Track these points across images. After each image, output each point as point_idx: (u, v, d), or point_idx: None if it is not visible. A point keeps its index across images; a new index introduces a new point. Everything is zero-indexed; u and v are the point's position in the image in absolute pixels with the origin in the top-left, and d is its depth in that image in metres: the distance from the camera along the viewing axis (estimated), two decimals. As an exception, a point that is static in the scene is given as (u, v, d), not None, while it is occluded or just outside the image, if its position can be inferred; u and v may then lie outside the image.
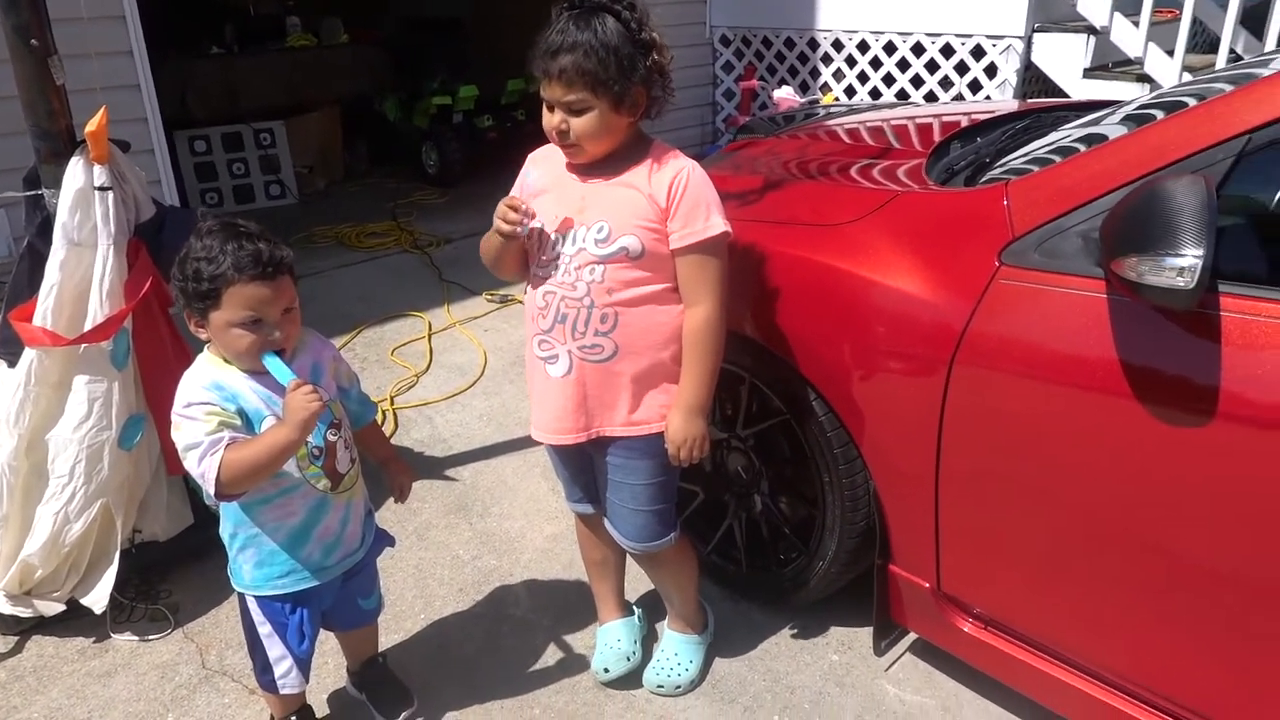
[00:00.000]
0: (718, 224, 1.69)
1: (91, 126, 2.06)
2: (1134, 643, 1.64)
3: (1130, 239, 1.36)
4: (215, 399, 1.58)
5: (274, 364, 1.58)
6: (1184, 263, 1.27)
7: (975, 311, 1.67)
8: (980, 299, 1.67)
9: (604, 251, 1.69)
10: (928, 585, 1.93)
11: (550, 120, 1.66)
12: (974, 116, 2.55)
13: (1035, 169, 1.77)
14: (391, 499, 1.94)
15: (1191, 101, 1.63)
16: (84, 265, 2.12)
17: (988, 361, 1.66)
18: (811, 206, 2.10)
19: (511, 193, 1.81)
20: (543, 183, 1.79)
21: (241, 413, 1.60)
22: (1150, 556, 1.55)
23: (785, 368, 2.00)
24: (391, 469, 1.93)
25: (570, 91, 1.61)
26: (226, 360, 1.62)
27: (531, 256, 1.79)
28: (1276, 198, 1.50)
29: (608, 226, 1.68)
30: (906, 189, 2.00)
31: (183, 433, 1.56)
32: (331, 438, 1.70)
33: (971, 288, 1.69)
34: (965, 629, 1.90)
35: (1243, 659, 1.51)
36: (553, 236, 1.73)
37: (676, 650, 2.12)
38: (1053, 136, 2.07)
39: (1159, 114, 1.70)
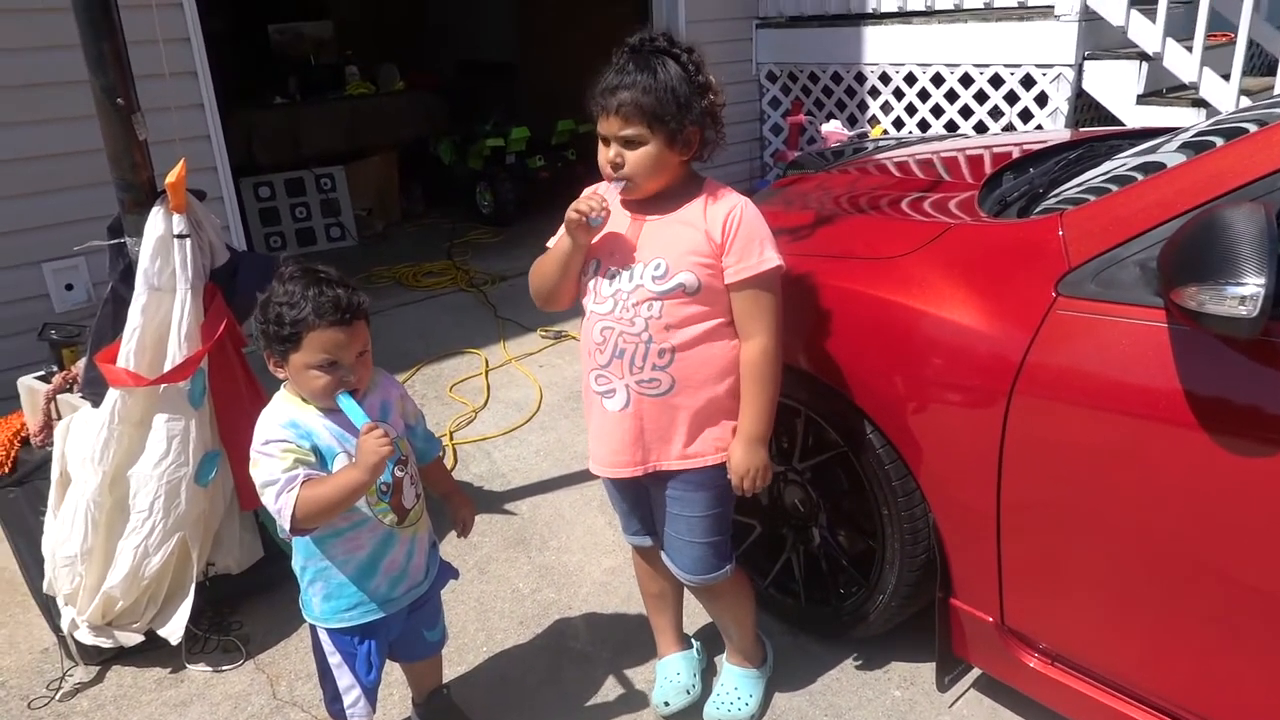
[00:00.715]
0: (772, 258, 1.73)
1: (171, 178, 2.17)
2: (1201, 676, 1.61)
3: (1190, 268, 1.36)
4: (291, 436, 1.64)
5: (348, 405, 1.64)
6: (1246, 291, 1.27)
7: (1033, 342, 1.68)
8: (1038, 330, 1.68)
9: (661, 288, 1.73)
10: (991, 619, 1.91)
11: (605, 154, 1.72)
12: (1025, 147, 2.56)
13: (1090, 199, 1.77)
14: (454, 532, 1.99)
15: (1251, 127, 1.63)
16: (164, 309, 2.23)
17: (1047, 392, 1.66)
18: (865, 240, 2.12)
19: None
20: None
21: (315, 450, 1.66)
22: (1216, 588, 1.53)
23: (841, 401, 2.01)
24: (454, 503, 1.98)
25: (627, 125, 1.67)
26: (303, 399, 1.69)
27: (585, 292, 1.84)
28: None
29: (665, 263, 1.73)
30: (960, 221, 2.01)
31: (260, 469, 1.63)
32: (398, 474, 1.75)
33: (1029, 319, 1.69)
34: (1031, 664, 1.87)
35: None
36: (610, 272, 1.78)
37: (736, 684, 2.12)
38: (1107, 166, 2.07)
39: (1217, 140, 1.70)
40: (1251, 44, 4.73)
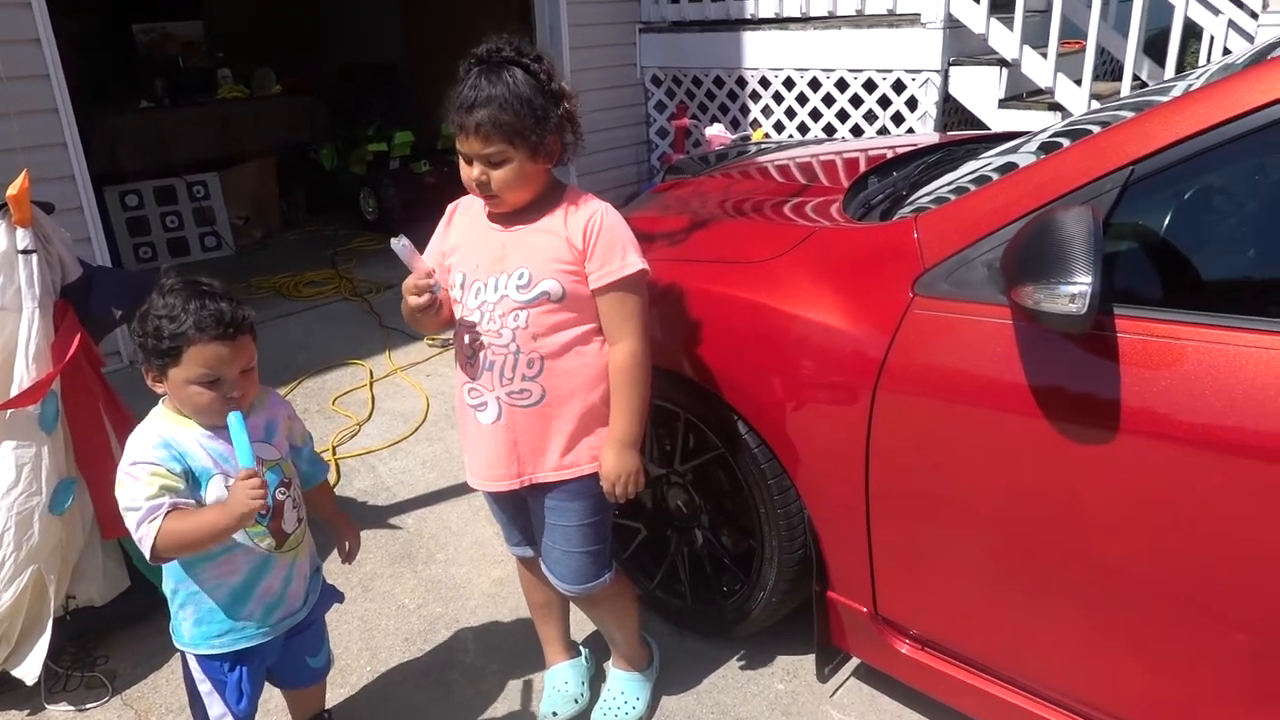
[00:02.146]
0: (634, 262, 1.73)
1: (13, 190, 2.04)
2: (1065, 656, 1.69)
3: (1026, 268, 1.43)
4: (162, 457, 1.57)
5: (238, 437, 1.56)
6: (1075, 290, 1.35)
7: (893, 341, 1.74)
8: (897, 329, 1.74)
9: (526, 297, 1.72)
10: (865, 609, 1.97)
11: (469, 173, 1.70)
12: (895, 150, 2.65)
13: (947, 200, 1.85)
14: (336, 553, 1.94)
15: (1096, 129, 1.73)
16: (9, 330, 2.10)
17: (907, 389, 1.72)
18: (735, 244, 2.16)
19: (432, 241, 1.85)
20: (463, 234, 1.82)
21: (189, 471, 1.59)
22: (1072, 570, 1.61)
23: (717, 402, 2.05)
24: (338, 529, 1.93)
25: (489, 144, 1.64)
26: (181, 415, 1.62)
27: (455, 306, 1.82)
28: (1164, 224, 1.60)
29: (528, 272, 1.72)
30: (825, 225, 2.07)
31: (125, 491, 1.57)
32: (280, 497, 1.69)
33: (888, 318, 1.75)
34: (903, 650, 1.94)
35: (1166, 667, 1.56)
36: (475, 285, 1.76)
37: (623, 689, 2.13)
38: (963, 169, 2.17)
39: (1065, 143, 1.79)
40: (1102, 51, 5.03)
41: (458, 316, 1.81)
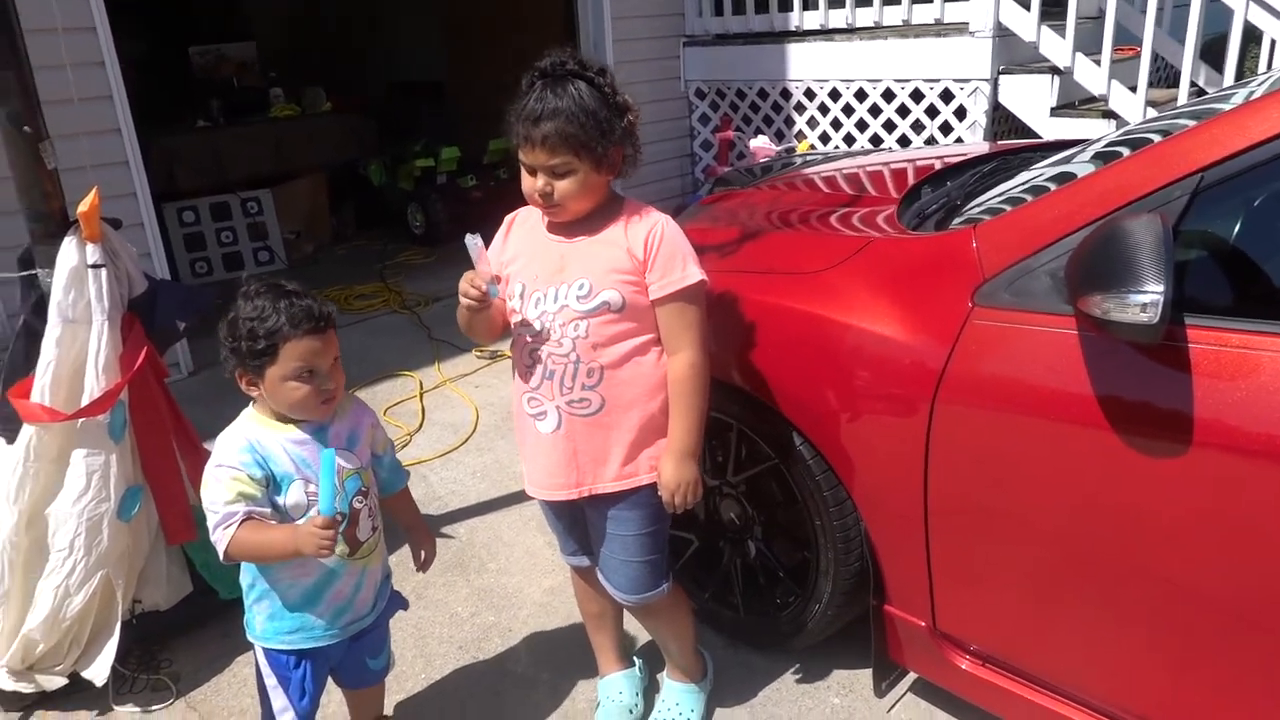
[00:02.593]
0: (694, 273, 1.74)
1: (84, 207, 2.11)
2: (1128, 673, 1.66)
3: (1093, 277, 1.41)
4: (245, 462, 1.62)
5: (325, 480, 1.59)
6: (1146, 299, 1.33)
7: (953, 352, 1.72)
8: (956, 340, 1.72)
9: (586, 307, 1.73)
10: (924, 624, 1.95)
11: (532, 184, 1.71)
12: (944, 160, 2.63)
13: (1003, 210, 1.83)
14: (425, 571, 2.00)
15: (1155, 138, 1.70)
16: (79, 342, 2.16)
17: (967, 400, 1.70)
18: (788, 255, 2.16)
19: (487, 253, 1.85)
20: (522, 245, 1.84)
21: (271, 476, 1.64)
22: (1138, 586, 1.58)
23: (772, 414, 2.04)
24: (416, 538, 1.97)
25: (554, 156, 1.66)
26: (269, 419, 1.67)
27: (513, 315, 1.83)
28: (1234, 232, 1.56)
29: (589, 283, 1.73)
30: (880, 235, 2.06)
31: (207, 491, 1.64)
32: (357, 505, 1.73)
33: (947, 329, 1.74)
34: (963, 666, 1.91)
35: (1234, 684, 1.53)
36: (535, 295, 1.78)
37: (678, 700, 2.12)
38: (1019, 178, 2.14)
39: (1124, 151, 1.77)
40: (1156, 57, 4.95)
41: (515, 326, 1.83)
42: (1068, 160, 2.08)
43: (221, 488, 1.61)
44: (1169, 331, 1.41)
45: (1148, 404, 1.50)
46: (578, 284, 1.74)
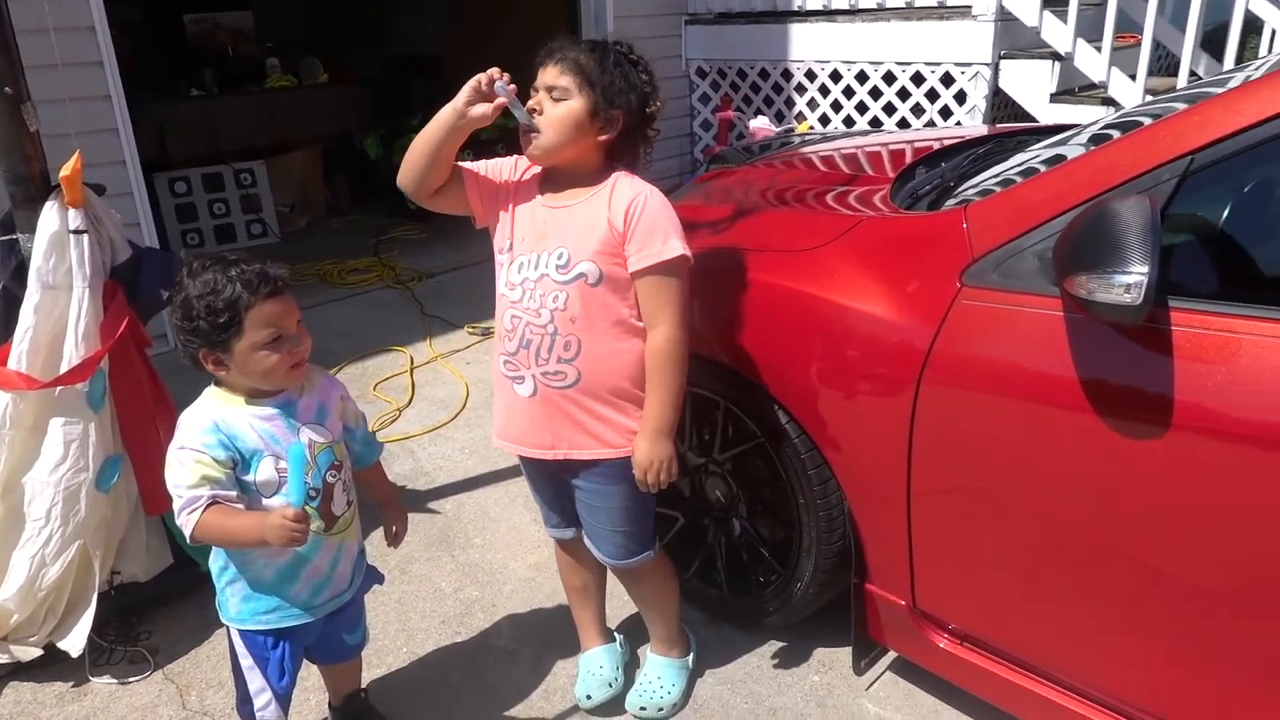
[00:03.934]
0: (675, 247, 1.71)
1: (66, 171, 2.08)
2: (1105, 654, 1.66)
3: (1080, 258, 1.40)
4: (208, 443, 1.58)
5: (295, 473, 1.56)
6: (1130, 280, 1.31)
7: (939, 331, 1.71)
8: (944, 319, 1.71)
9: (564, 278, 1.72)
10: (903, 603, 1.95)
11: (528, 104, 1.71)
12: (940, 142, 2.61)
13: (993, 192, 1.81)
14: (380, 534, 1.95)
15: (1147, 121, 1.68)
16: (59, 308, 2.14)
17: (953, 380, 1.69)
18: (780, 233, 2.13)
19: (482, 172, 1.83)
20: (520, 193, 1.81)
21: (237, 455, 1.60)
22: (1117, 567, 1.58)
23: (758, 391, 2.03)
24: (389, 513, 1.94)
25: (560, 77, 1.68)
26: (233, 395, 1.63)
27: (499, 271, 1.82)
28: (1222, 215, 1.55)
29: (567, 253, 1.72)
30: (872, 214, 2.04)
31: (170, 473, 1.59)
32: (330, 479, 1.70)
33: (935, 308, 1.72)
34: (941, 645, 1.91)
35: (1206, 665, 1.53)
36: (519, 260, 1.77)
37: (660, 673, 2.12)
38: (1012, 160, 2.12)
39: (1115, 134, 1.75)
40: (1157, 45, 4.91)
41: (499, 285, 1.81)
42: (1062, 143, 2.06)
43: (184, 470, 1.56)
44: (1152, 314, 1.40)
45: (1130, 386, 1.49)
46: (556, 253, 1.73)
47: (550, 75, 1.70)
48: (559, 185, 1.77)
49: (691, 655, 2.19)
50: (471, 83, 1.68)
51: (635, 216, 1.71)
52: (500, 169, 1.86)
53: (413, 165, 1.78)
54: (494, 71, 1.67)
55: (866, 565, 2.00)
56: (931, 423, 1.73)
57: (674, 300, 1.74)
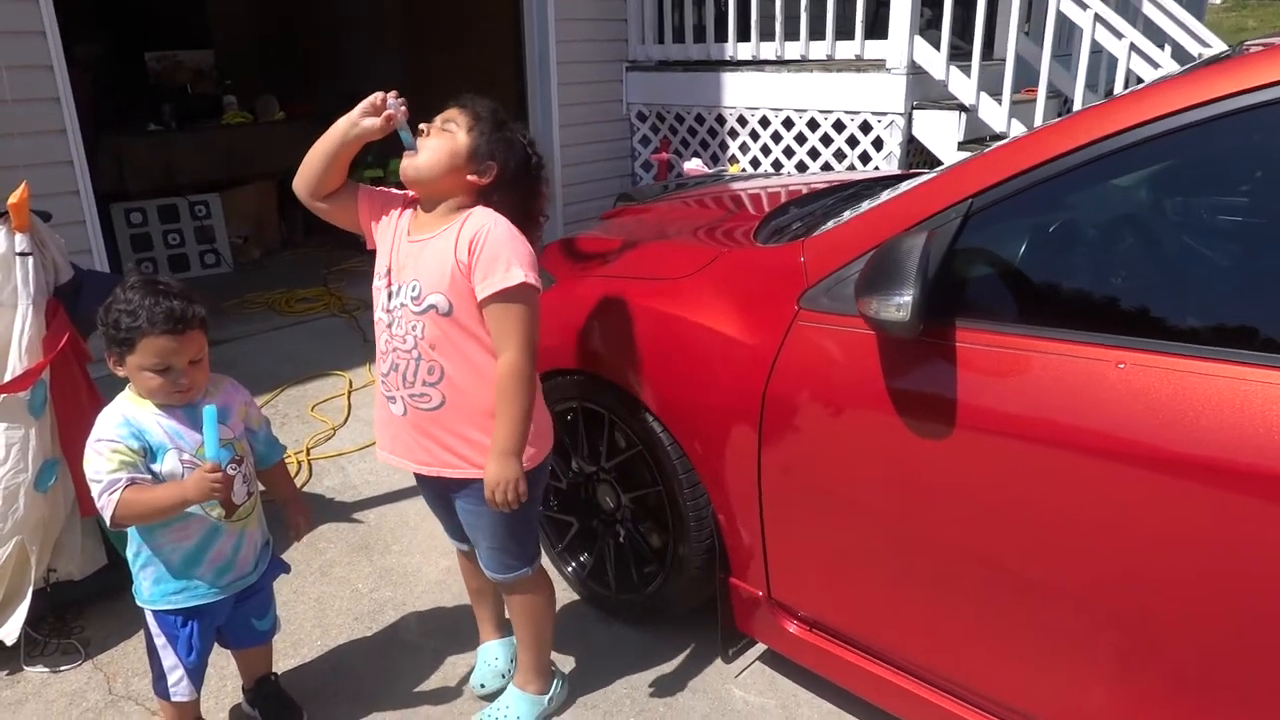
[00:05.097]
0: (517, 275, 1.78)
1: (13, 199, 2.30)
2: (930, 637, 1.89)
3: (868, 283, 1.67)
4: (122, 435, 1.81)
5: (209, 432, 1.79)
6: (901, 299, 1.58)
7: (781, 348, 1.97)
8: (784, 338, 1.97)
9: (418, 309, 1.84)
10: (761, 594, 2.18)
11: (420, 126, 1.88)
12: (815, 186, 2.90)
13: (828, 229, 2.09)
14: (303, 539, 2.18)
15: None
16: (4, 323, 2.34)
17: (791, 391, 1.95)
18: (657, 263, 2.39)
19: (376, 199, 2.00)
20: (392, 226, 1.95)
21: (146, 447, 1.83)
22: (933, 554, 1.82)
23: (637, 405, 2.27)
24: (291, 509, 2.14)
25: (457, 114, 1.86)
26: (142, 397, 1.86)
27: (376, 296, 1.95)
28: (1001, 248, 1.82)
29: (420, 285, 1.85)
30: (732, 247, 2.31)
31: (90, 464, 1.81)
32: (231, 471, 1.89)
33: (777, 329, 1.98)
34: (791, 630, 2.15)
35: (1025, 643, 1.73)
36: (391, 289, 1.90)
37: (511, 703, 2.19)
38: (863, 204, 2.40)
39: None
40: (1063, 97, 5.31)
41: (376, 311, 1.94)
42: (895, 189, 2.34)
43: (103, 459, 1.79)
44: (941, 331, 1.67)
45: (922, 392, 1.75)
46: (411, 285, 1.86)
47: (449, 111, 1.87)
48: (423, 220, 1.90)
49: (551, 698, 2.22)
50: (369, 98, 1.83)
51: (480, 246, 1.79)
52: (392, 200, 2.00)
53: (308, 169, 1.94)
54: (391, 92, 1.85)
55: (730, 560, 2.23)
56: (775, 430, 1.99)
57: (519, 326, 1.80)
